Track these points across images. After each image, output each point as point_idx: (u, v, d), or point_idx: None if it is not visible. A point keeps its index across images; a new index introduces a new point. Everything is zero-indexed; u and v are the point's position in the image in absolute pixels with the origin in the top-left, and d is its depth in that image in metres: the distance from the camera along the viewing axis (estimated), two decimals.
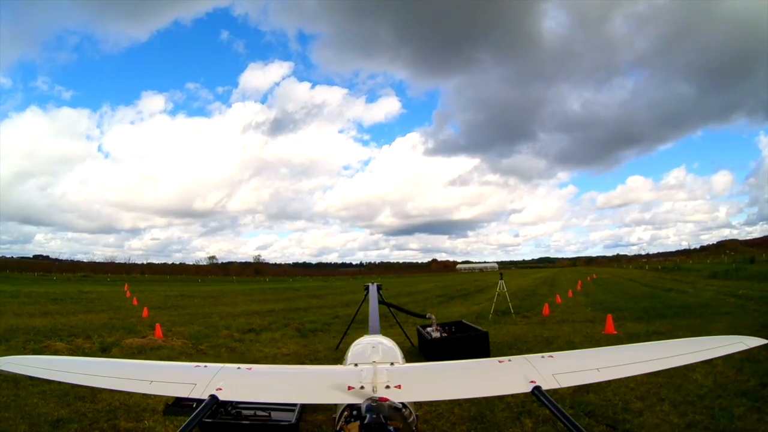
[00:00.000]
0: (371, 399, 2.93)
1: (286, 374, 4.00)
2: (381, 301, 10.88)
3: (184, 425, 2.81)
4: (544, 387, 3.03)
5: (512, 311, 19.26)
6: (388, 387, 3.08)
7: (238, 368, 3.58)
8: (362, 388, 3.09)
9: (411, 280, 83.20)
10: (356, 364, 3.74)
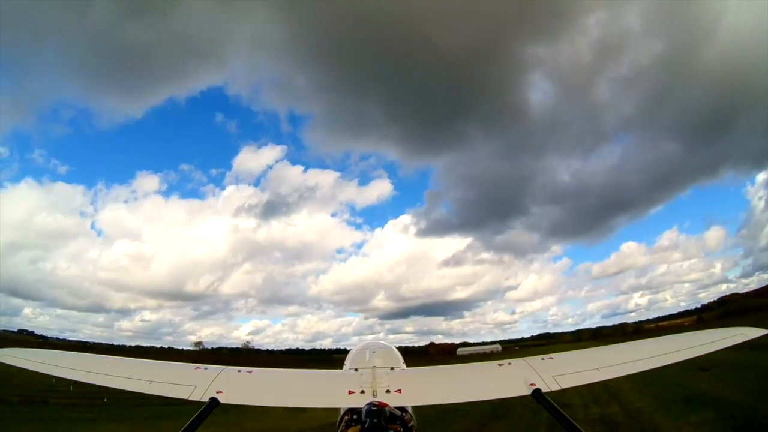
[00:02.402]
0: (371, 403, 2.93)
1: (286, 378, 4.00)
2: None
3: (183, 428, 2.80)
4: (545, 389, 3.02)
5: None
6: (388, 391, 3.08)
7: (239, 371, 3.58)
8: (362, 392, 3.09)
9: None
10: (356, 369, 3.74)
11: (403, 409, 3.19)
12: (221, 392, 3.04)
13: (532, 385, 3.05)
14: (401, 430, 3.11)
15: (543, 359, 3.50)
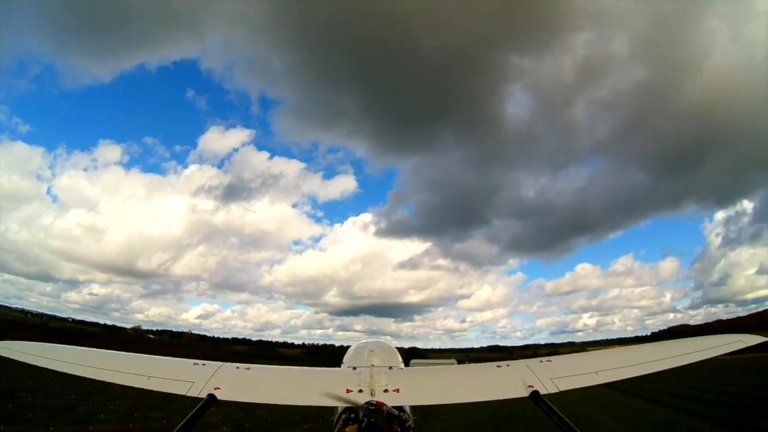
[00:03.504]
0: (369, 402, 2.93)
1: (284, 375, 3.99)
2: None
3: (180, 424, 2.80)
4: (543, 391, 3.02)
5: None
6: (386, 390, 3.08)
7: (237, 367, 3.58)
8: (360, 391, 3.09)
9: None
10: (354, 367, 3.73)
11: (401, 408, 3.19)
12: (219, 388, 3.05)
13: (530, 387, 3.05)
14: (399, 429, 3.11)
15: (541, 362, 3.50)
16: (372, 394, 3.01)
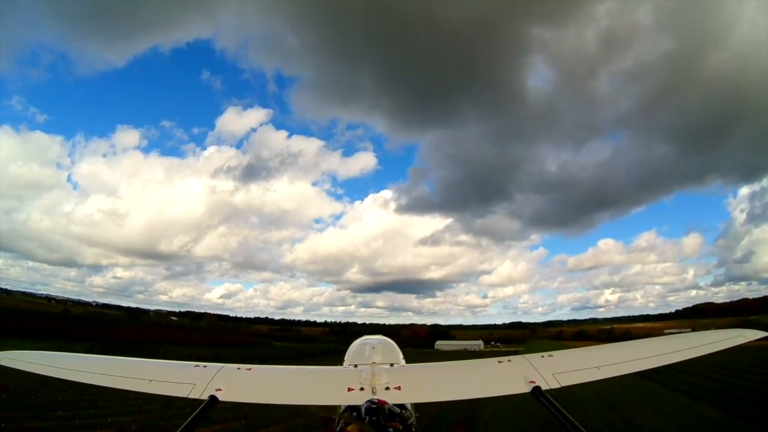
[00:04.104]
0: (371, 401, 2.93)
1: (286, 375, 4.00)
2: None
3: (182, 426, 2.80)
4: (544, 387, 3.03)
5: None
6: (387, 388, 3.08)
7: (238, 368, 3.58)
8: (362, 389, 3.09)
9: None
10: (356, 365, 3.74)
11: (402, 406, 3.19)
12: (220, 390, 3.05)
13: (531, 382, 3.05)
14: (401, 427, 3.11)
15: (543, 357, 3.50)
16: (373, 392, 3.01)
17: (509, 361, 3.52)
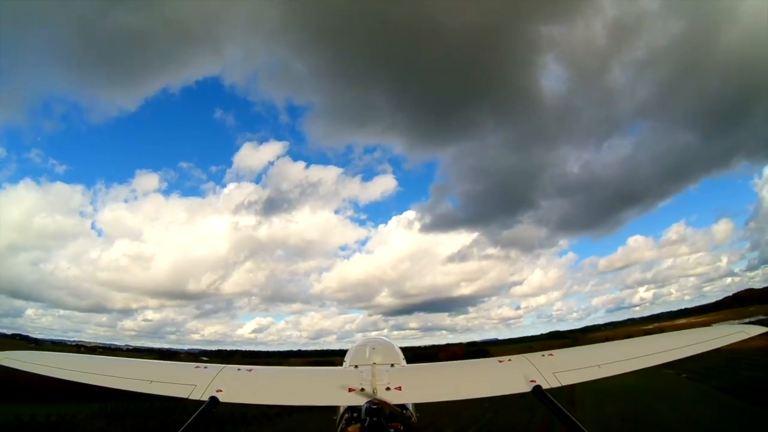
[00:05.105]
0: (371, 401, 2.92)
1: (286, 376, 3.99)
2: None
3: (183, 427, 2.79)
4: (545, 386, 3.02)
5: None
6: (388, 388, 3.07)
7: (239, 369, 3.57)
8: (362, 389, 3.08)
9: None
10: (356, 366, 3.73)
11: (403, 406, 3.19)
12: (221, 390, 3.04)
13: (532, 381, 3.05)
14: (401, 427, 3.11)
15: (543, 356, 3.49)
16: (374, 393, 3.00)
17: (510, 360, 3.51)
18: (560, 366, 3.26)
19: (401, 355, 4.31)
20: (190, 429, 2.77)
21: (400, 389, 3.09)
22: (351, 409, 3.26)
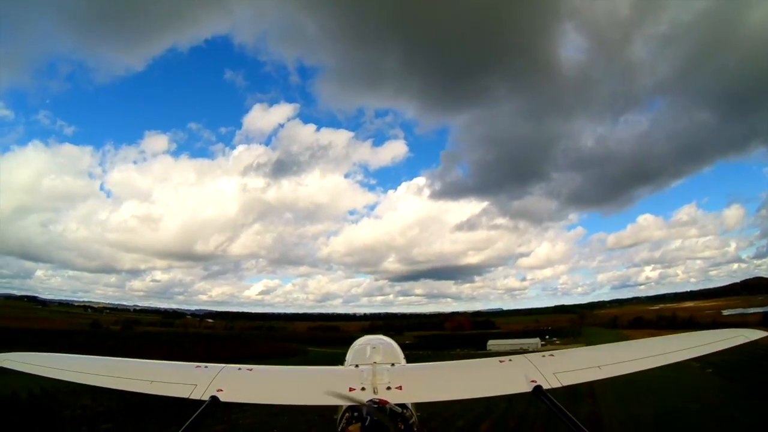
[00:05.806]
0: (372, 400, 2.93)
1: (287, 376, 3.99)
2: None
3: (184, 427, 2.80)
4: (545, 386, 3.03)
5: None
6: (389, 388, 3.08)
7: (239, 369, 3.57)
8: (363, 389, 3.09)
9: None
10: (357, 365, 3.73)
11: (403, 405, 3.19)
12: (222, 390, 3.05)
13: (533, 381, 3.06)
14: (402, 427, 3.11)
15: (544, 356, 3.50)
16: (375, 392, 3.01)
17: (510, 360, 3.52)
18: (561, 366, 3.27)
19: (402, 355, 4.31)
20: (190, 429, 2.77)
21: (400, 389, 3.10)
22: (351, 408, 3.26)
